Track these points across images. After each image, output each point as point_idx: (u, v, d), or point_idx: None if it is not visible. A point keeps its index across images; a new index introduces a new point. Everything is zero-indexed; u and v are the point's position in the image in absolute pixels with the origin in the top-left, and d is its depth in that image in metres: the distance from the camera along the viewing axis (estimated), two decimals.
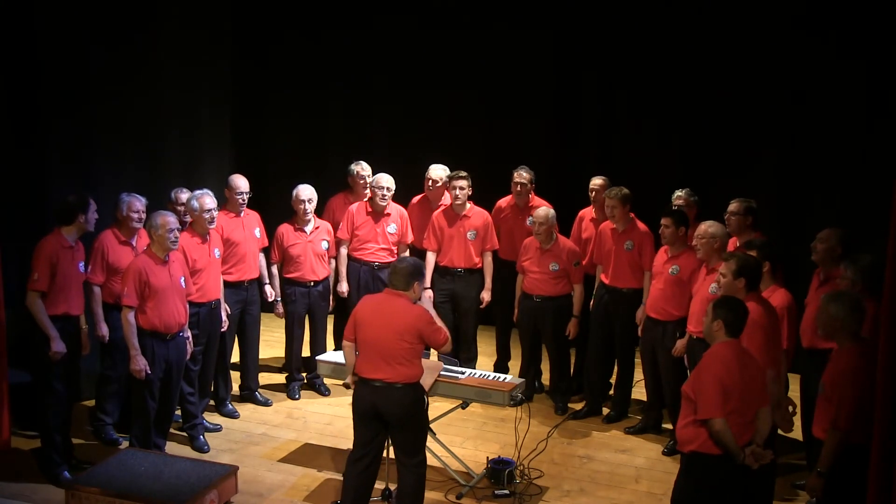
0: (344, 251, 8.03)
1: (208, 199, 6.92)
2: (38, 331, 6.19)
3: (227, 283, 7.36)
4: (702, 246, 6.54)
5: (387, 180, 7.90)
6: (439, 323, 5.76)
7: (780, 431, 5.64)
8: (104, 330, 6.68)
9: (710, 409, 4.77)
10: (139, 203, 6.75)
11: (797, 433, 6.15)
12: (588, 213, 7.97)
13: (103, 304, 6.69)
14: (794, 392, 6.34)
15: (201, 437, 7.02)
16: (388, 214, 8.00)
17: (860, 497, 4.68)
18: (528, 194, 8.00)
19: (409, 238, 8.16)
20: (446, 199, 8.08)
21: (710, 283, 6.37)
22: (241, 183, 7.48)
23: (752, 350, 5.14)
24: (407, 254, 8.11)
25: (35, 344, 6.23)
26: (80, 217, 6.26)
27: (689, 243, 6.92)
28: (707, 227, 6.56)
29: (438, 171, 8.11)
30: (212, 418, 7.40)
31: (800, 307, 6.31)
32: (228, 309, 7.31)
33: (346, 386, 5.88)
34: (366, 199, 8.08)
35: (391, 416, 5.57)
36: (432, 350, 7.82)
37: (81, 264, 6.43)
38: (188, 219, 7.04)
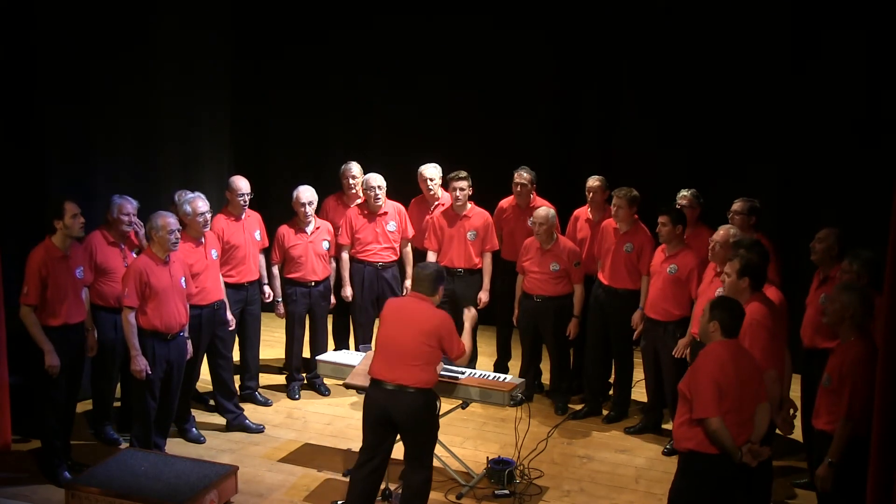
0: (346, 256, 8.02)
1: (201, 203, 6.89)
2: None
3: (227, 285, 7.36)
4: (719, 252, 6.39)
5: (376, 179, 7.88)
6: (467, 339, 5.81)
7: (778, 432, 5.65)
8: (94, 332, 6.66)
9: (706, 409, 4.77)
10: (130, 205, 6.74)
11: (797, 433, 6.14)
12: (583, 212, 7.97)
13: (91, 306, 6.65)
14: (794, 392, 6.33)
15: (194, 429, 7.07)
16: (386, 213, 8.00)
17: (864, 488, 4.70)
18: (530, 194, 7.99)
19: (410, 233, 8.16)
20: (445, 197, 8.07)
21: (717, 286, 6.33)
22: (241, 184, 7.48)
23: (756, 350, 5.15)
24: (408, 248, 8.14)
25: (33, 353, 6.22)
26: (57, 224, 6.21)
27: (686, 242, 6.94)
28: (733, 234, 6.37)
29: (431, 170, 8.10)
30: (212, 418, 7.40)
31: (800, 307, 6.31)
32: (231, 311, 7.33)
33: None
34: (358, 202, 8.07)
35: (403, 421, 5.54)
36: None
37: (79, 270, 6.39)
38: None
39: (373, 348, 5.87)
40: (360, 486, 5.65)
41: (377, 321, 7.99)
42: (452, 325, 5.68)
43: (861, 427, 4.87)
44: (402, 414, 5.51)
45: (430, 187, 8.10)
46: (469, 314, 6.14)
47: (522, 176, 7.95)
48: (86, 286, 6.55)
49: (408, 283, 8.11)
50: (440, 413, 5.66)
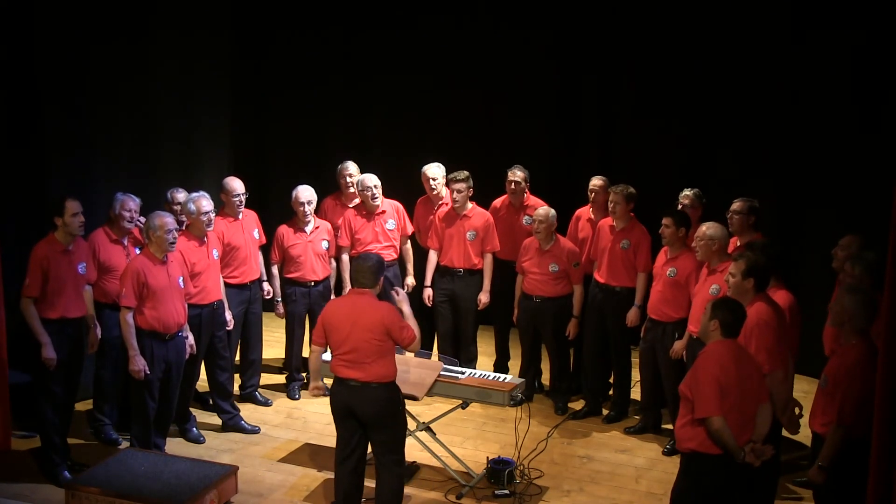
0: (346, 258, 8.01)
1: (205, 202, 6.90)
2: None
3: (231, 286, 7.38)
4: (700, 248, 6.54)
5: (372, 180, 7.89)
6: (412, 323, 5.72)
7: (785, 433, 5.64)
8: (97, 329, 6.67)
9: (708, 408, 4.77)
10: (133, 203, 6.75)
11: (802, 433, 6.14)
12: (585, 212, 7.96)
13: (95, 304, 6.67)
14: (798, 393, 6.33)
15: (194, 429, 7.08)
16: (384, 212, 8.00)
17: (861, 491, 4.70)
18: (524, 193, 7.99)
19: (409, 229, 8.17)
20: (448, 196, 8.06)
21: (711, 284, 6.38)
22: (236, 185, 7.47)
23: (763, 351, 5.15)
24: (408, 245, 8.13)
25: (33, 347, 6.23)
26: (57, 220, 6.22)
27: (690, 245, 6.94)
28: (706, 228, 6.54)
29: (434, 170, 8.09)
30: (212, 418, 7.39)
31: (806, 310, 6.28)
32: (230, 311, 7.31)
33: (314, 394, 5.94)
34: (356, 203, 8.06)
35: (366, 415, 5.59)
36: (434, 351, 7.89)
37: (81, 266, 6.40)
38: (183, 218, 7.02)
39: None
40: (346, 483, 5.73)
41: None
42: (397, 314, 5.67)
43: (857, 430, 4.86)
44: (366, 410, 5.57)
45: (434, 186, 8.07)
46: (399, 297, 5.97)
47: (516, 174, 7.94)
48: (89, 283, 6.56)
49: (409, 279, 8.12)
50: (441, 414, 5.67)
